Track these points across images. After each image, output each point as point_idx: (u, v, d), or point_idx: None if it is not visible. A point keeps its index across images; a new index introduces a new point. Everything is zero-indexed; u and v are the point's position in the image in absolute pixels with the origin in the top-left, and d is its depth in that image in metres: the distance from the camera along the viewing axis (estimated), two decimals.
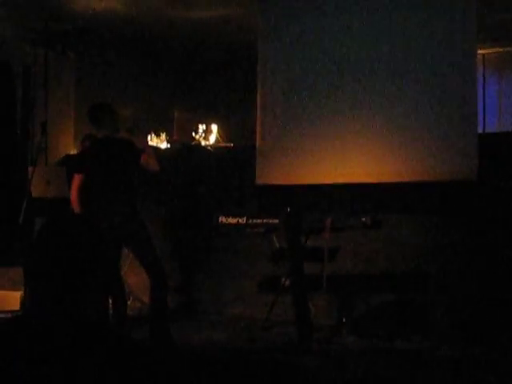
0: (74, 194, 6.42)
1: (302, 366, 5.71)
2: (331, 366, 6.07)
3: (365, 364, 6.17)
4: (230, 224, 6.89)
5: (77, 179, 6.43)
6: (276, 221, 6.71)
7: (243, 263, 8.58)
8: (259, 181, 8.63)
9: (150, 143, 9.70)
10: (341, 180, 8.03)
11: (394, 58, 8.05)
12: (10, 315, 8.35)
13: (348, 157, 8.12)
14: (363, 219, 6.51)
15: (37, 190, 7.28)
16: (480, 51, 9.86)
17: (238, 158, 9.12)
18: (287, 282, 7.43)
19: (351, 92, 8.34)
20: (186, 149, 9.48)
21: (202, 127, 9.52)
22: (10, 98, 10.00)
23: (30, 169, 7.95)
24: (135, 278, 8.44)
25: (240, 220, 6.81)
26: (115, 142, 6.53)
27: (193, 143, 9.50)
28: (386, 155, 7.96)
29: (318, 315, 7.32)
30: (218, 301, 8.63)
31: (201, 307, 8.64)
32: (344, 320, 7.33)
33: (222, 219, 6.89)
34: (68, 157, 9.55)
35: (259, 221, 6.82)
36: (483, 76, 11.14)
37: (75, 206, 6.41)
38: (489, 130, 10.69)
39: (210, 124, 9.56)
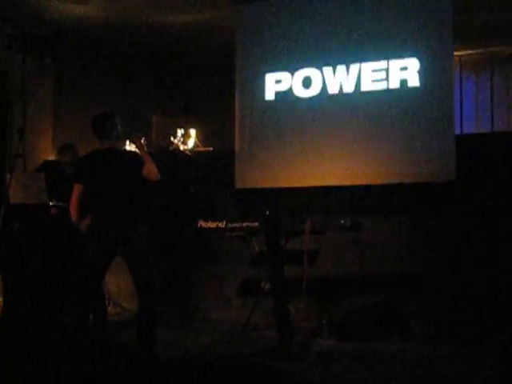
0: (73, 203, 6.35)
1: (281, 369, 5.70)
2: (311, 369, 6.07)
3: (344, 367, 6.17)
4: (209, 228, 6.89)
5: (76, 188, 6.35)
6: (255, 224, 6.71)
7: (223, 267, 8.57)
8: (238, 185, 8.65)
9: (128, 148, 9.66)
10: (320, 183, 8.07)
11: (371, 61, 8.09)
12: None
13: (326, 160, 8.16)
14: (342, 221, 6.53)
15: (15, 196, 7.23)
16: (456, 53, 9.93)
17: (217, 162, 9.12)
18: (267, 286, 7.43)
19: (328, 95, 8.38)
20: (164, 153, 9.46)
21: (180, 132, 9.51)
22: None
23: (8, 175, 7.91)
24: (115, 284, 8.42)
25: (219, 224, 6.82)
26: (117, 153, 6.43)
27: (171, 148, 9.48)
28: (364, 157, 8.01)
29: (298, 318, 7.33)
30: (198, 305, 8.62)
31: (181, 311, 8.62)
32: (324, 322, 7.34)
33: (202, 223, 6.89)
34: (46, 162, 9.49)
35: (239, 225, 6.83)
36: (460, 78, 11.21)
37: (73, 214, 6.34)
38: (466, 131, 10.76)
39: (189, 129, 9.56)
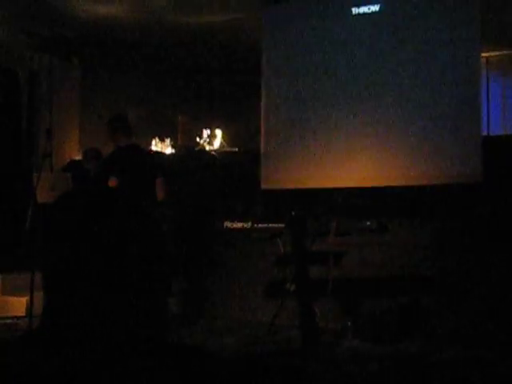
0: None
1: (307, 370, 5.69)
2: (335, 370, 6.05)
3: (369, 368, 6.15)
4: (235, 229, 6.89)
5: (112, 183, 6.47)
6: (281, 225, 6.71)
7: (249, 268, 8.57)
8: (264, 185, 8.64)
9: (154, 148, 9.73)
10: (346, 184, 8.04)
11: (398, 62, 8.05)
12: (15, 321, 8.39)
13: (353, 161, 8.13)
14: (368, 223, 6.51)
15: (42, 196, 7.28)
16: (483, 54, 9.87)
17: (242, 162, 9.12)
18: (292, 287, 7.42)
19: (356, 96, 8.36)
20: (190, 154, 9.49)
21: (206, 132, 9.53)
22: (15, 104, 10.02)
23: (36, 175, 7.96)
24: None
25: (245, 225, 6.82)
26: (143, 150, 6.66)
27: (197, 148, 9.50)
28: (391, 159, 7.97)
29: (323, 319, 7.31)
30: (223, 306, 8.63)
31: (206, 312, 8.63)
32: (349, 324, 7.31)
33: (227, 224, 6.89)
34: (73, 162, 9.56)
35: (264, 225, 6.83)
36: (487, 79, 11.14)
37: None
38: (493, 132, 10.69)
39: (215, 129, 9.57)
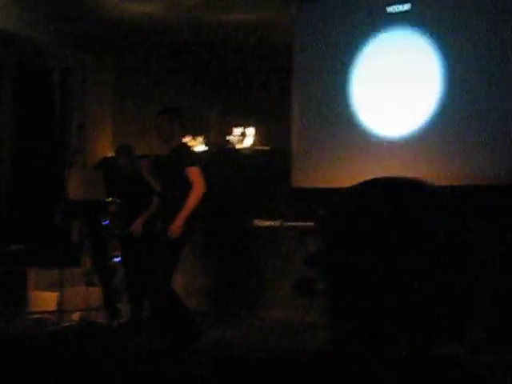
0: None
1: (336, 370, 5.68)
2: (365, 371, 6.03)
3: (400, 370, 6.12)
4: (264, 227, 6.90)
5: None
6: (311, 224, 6.71)
7: (278, 266, 8.59)
8: (295, 184, 8.63)
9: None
10: None
11: (438, 62, 7.97)
12: (46, 315, 8.50)
13: (386, 160, 8.08)
14: None
15: (74, 191, 7.34)
16: None
17: (274, 161, 9.12)
18: (321, 286, 7.42)
19: (382, 94, 8.32)
20: (222, 152, 9.51)
21: (238, 130, 9.54)
22: (48, 101, 10.12)
23: (66, 171, 8.04)
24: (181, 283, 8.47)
25: (275, 223, 6.83)
26: None
27: (229, 146, 9.53)
28: (425, 158, 7.91)
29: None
30: (252, 304, 8.65)
31: (235, 310, 8.66)
32: None
33: (257, 222, 6.91)
34: (105, 159, 9.64)
35: (294, 224, 6.83)
36: None
37: None
38: None
39: (247, 127, 9.58)
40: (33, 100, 9.86)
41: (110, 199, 7.96)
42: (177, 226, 6.21)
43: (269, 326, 8.00)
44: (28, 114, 9.77)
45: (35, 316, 8.61)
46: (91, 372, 5.74)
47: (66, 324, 7.82)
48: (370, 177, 8.02)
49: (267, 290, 8.59)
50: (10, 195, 9.44)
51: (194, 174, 6.50)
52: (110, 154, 10.40)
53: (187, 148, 6.92)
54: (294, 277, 8.39)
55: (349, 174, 8.32)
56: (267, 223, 6.85)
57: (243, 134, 9.51)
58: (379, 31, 8.29)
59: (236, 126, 9.70)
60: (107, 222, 8.28)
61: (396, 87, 8.15)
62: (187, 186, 6.43)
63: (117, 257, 8.58)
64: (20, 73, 9.67)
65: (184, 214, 6.28)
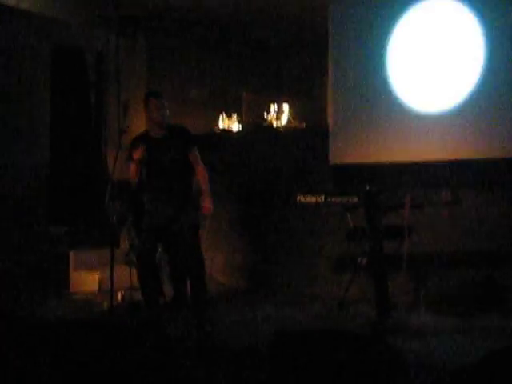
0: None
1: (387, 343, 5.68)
2: (408, 344, 6.04)
3: (441, 341, 6.14)
4: (308, 203, 6.88)
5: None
6: (355, 199, 6.69)
7: (318, 242, 8.61)
8: (333, 160, 8.64)
9: (221, 125, 9.79)
10: (418, 158, 7.99)
11: (479, 36, 7.91)
12: (88, 296, 8.57)
13: (425, 133, 8.07)
14: (443, 195, 6.45)
15: (118, 172, 7.33)
16: None
17: (310, 138, 9.12)
18: (364, 261, 7.42)
19: (423, 74, 8.29)
20: (257, 130, 9.51)
21: (273, 107, 9.53)
22: (83, 83, 10.15)
23: (112, 152, 8.06)
24: (211, 259, 8.52)
25: (318, 199, 6.81)
26: None
27: (264, 124, 9.52)
28: (463, 132, 7.89)
29: (395, 293, 7.29)
30: (293, 280, 8.68)
31: (277, 286, 8.69)
32: (421, 297, 7.29)
33: (301, 198, 6.89)
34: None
35: (338, 199, 6.82)
36: None
37: None
38: None
39: (282, 104, 9.56)
40: (68, 83, 9.89)
41: None
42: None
43: (310, 302, 8.02)
44: (64, 96, 9.80)
45: (78, 297, 8.68)
46: (139, 351, 5.77)
47: (109, 304, 7.85)
48: (409, 151, 8.05)
49: (308, 265, 8.62)
50: (50, 178, 9.49)
51: (197, 154, 6.85)
52: None
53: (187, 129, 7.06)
54: (334, 253, 8.42)
55: (387, 150, 8.33)
56: (311, 199, 6.82)
57: (279, 112, 9.49)
58: (419, 4, 8.25)
59: (271, 103, 9.67)
60: None
61: (435, 62, 8.12)
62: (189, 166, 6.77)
63: None
64: (55, 56, 9.69)
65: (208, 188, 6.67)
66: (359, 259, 7.52)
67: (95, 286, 8.96)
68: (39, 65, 9.43)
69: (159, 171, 6.84)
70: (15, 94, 9.12)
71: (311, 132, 9.19)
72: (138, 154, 6.73)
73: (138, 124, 10.12)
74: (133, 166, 6.83)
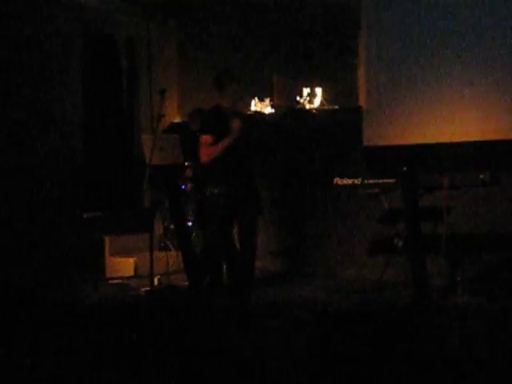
0: None
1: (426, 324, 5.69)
2: (447, 326, 6.02)
3: (479, 323, 6.11)
4: (344, 185, 6.86)
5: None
6: (392, 181, 6.66)
7: (354, 225, 8.60)
8: (367, 142, 8.60)
9: (253, 108, 9.76)
10: (454, 139, 7.93)
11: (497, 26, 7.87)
12: (124, 281, 8.63)
13: (462, 113, 8.01)
14: (481, 176, 6.38)
15: (153, 157, 7.34)
16: None
17: (344, 119, 9.08)
18: (400, 243, 7.40)
19: (456, 50, 8.22)
20: (290, 112, 9.49)
21: (306, 91, 9.48)
22: (115, 69, 10.18)
23: (146, 136, 8.08)
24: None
25: (355, 181, 6.79)
26: None
27: (297, 107, 9.48)
28: (500, 112, 7.82)
29: (432, 275, 7.25)
30: (328, 263, 8.68)
31: (312, 269, 8.70)
32: (458, 279, 7.25)
33: (337, 181, 6.87)
34: (173, 124, 9.68)
35: (375, 181, 6.78)
36: None
37: None
38: None
39: (315, 87, 9.51)
40: (100, 69, 9.93)
41: (187, 164, 8.00)
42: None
43: (345, 285, 8.02)
44: (96, 82, 9.84)
45: (114, 282, 8.74)
46: (177, 335, 5.82)
47: (146, 288, 7.90)
48: (445, 132, 7.99)
49: (344, 248, 8.61)
50: (84, 164, 9.55)
51: None
52: (177, 119, 10.45)
53: None
54: (370, 235, 8.41)
55: (422, 131, 8.28)
56: (348, 181, 6.80)
57: (312, 95, 9.44)
58: None
59: (303, 86, 9.63)
60: (184, 186, 8.33)
61: (471, 41, 8.05)
62: None
63: (188, 221, 8.64)
64: (87, 42, 9.73)
65: None
66: (395, 241, 7.50)
67: (131, 271, 9.01)
68: (71, 51, 9.47)
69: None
70: (47, 81, 9.17)
71: (344, 114, 9.14)
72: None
73: (170, 110, 10.18)
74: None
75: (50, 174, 9.07)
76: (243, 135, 6.52)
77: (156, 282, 8.08)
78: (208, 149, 6.49)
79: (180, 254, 8.22)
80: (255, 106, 9.75)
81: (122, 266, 9.10)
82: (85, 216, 9.44)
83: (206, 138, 6.50)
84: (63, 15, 9.32)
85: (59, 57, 9.29)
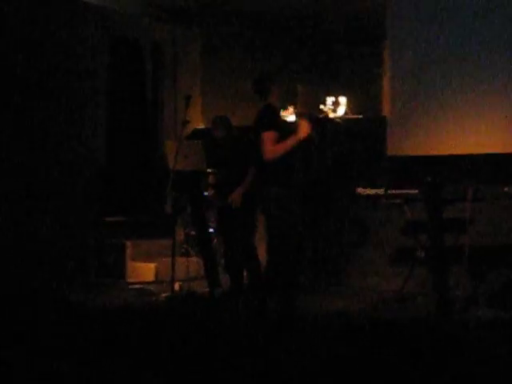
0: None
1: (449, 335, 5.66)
2: (468, 337, 5.99)
3: (501, 336, 6.07)
4: (367, 195, 6.86)
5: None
6: (415, 191, 6.65)
7: (375, 235, 8.56)
8: (390, 152, 8.59)
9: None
10: (476, 150, 7.90)
11: None
12: (145, 286, 8.64)
13: (486, 125, 7.97)
14: (506, 189, 6.36)
15: (177, 163, 7.35)
16: None
17: (368, 129, 9.06)
18: (422, 254, 7.37)
19: (481, 60, 8.19)
20: (315, 121, 9.48)
21: (330, 100, 9.48)
22: (140, 74, 10.23)
23: (170, 142, 8.08)
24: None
25: (378, 191, 6.78)
26: None
27: (321, 116, 9.48)
28: None
29: (454, 286, 7.22)
30: (351, 273, 8.65)
31: (334, 279, 8.66)
32: (480, 292, 7.21)
33: (360, 190, 6.86)
34: (197, 131, 9.71)
35: (398, 192, 6.77)
36: None
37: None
38: None
39: (339, 96, 9.52)
40: (125, 73, 9.99)
41: (210, 170, 8.01)
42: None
43: (366, 295, 7.98)
44: (121, 87, 9.89)
45: (135, 286, 8.75)
46: (196, 341, 5.82)
47: (166, 294, 7.90)
48: (468, 144, 7.96)
49: (364, 258, 8.58)
50: (107, 168, 9.59)
51: None
52: (200, 125, 10.47)
53: None
54: (391, 245, 8.37)
55: (446, 142, 8.25)
56: (370, 191, 6.79)
57: (336, 103, 9.45)
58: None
59: (326, 95, 9.63)
60: (206, 192, 8.34)
61: (496, 51, 8.02)
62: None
63: (210, 227, 8.65)
64: (113, 47, 9.78)
65: None
66: (418, 252, 7.47)
67: (151, 276, 9.03)
68: (97, 56, 9.52)
69: None
70: (73, 85, 9.22)
71: (368, 123, 9.13)
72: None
73: (194, 117, 10.20)
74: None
75: (73, 179, 9.12)
76: (310, 137, 6.42)
77: (177, 287, 8.07)
78: (276, 146, 6.29)
79: (201, 260, 8.23)
80: (283, 112, 9.77)
81: (143, 271, 9.12)
82: (107, 220, 9.50)
83: (270, 135, 6.28)
84: (89, 20, 9.38)
85: (85, 62, 9.36)
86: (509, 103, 7.92)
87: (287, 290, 6.39)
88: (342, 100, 9.49)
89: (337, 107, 9.47)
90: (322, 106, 9.51)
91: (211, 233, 8.65)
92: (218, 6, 10.32)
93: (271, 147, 6.30)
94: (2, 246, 8.27)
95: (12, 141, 8.58)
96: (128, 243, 9.27)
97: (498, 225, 7.69)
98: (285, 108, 9.87)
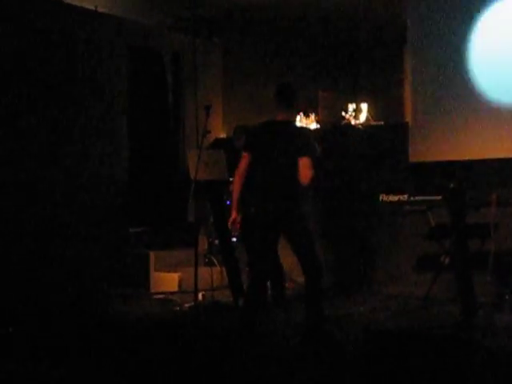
0: (239, 171, 6.25)
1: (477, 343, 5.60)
2: (493, 343, 5.93)
3: None
4: (391, 202, 6.84)
5: (244, 158, 6.22)
6: (438, 197, 6.62)
7: (400, 241, 8.54)
8: (413, 158, 8.57)
9: (299, 124, 9.74)
10: (499, 155, 7.86)
11: None
12: (168, 296, 8.65)
13: (505, 131, 7.95)
14: None
15: (199, 173, 7.34)
16: None
17: (390, 135, 9.04)
18: (447, 260, 7.34)
19: (502, 65, 8.17)
20: (336, 128, 9.48)
21: (352, 106, 9.48)
22: (161, 85, 10.27)
23: (191, 152, 8.09)
24: (289, 260, 8.49)
25: (401, 198, 6.76)
26: (291, 127, 6.32)
27: (343, 123, 9.49)
28: None
29: (479, 292, 7.16)
30: (375, 279, 8.62)
31: (358, 286, 8.64)
32: (506, 297, 7.15)
33: (384, 197, 6.85)
34: (217, 140, 9.72)
35: (421, 198, 6.76)
36: None
37: (236, 181, 6.30)
38: None
39: (360, 103, 9.51)
40: (146, 84, 10.03)
41: (232, 179, 8.00)
42: None
43: (391, 301, 7.95)
44: (142, 98, 9.93)
45: (159, 296, 8.76)
46: (221, 351, 5.81)
47: (190, 304, 7.90)
48: (490, 150, 7.92)
49: (389, 264, 8.55)
50: (129, 179, 9.63)
51: None
52: (222, 135, 10.49)
53: None
54: (415, 251, 8.34)
55: (468, 147, 8.22)
56: (394, 198, 6.77)
57: (357, 110, 9.44)
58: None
59: (347, 102, 9.63)
60: (228, 201, 8.32)
61: None
62: None
63: (233, 236, 8.63)
64: (133, 58, 9.83)
65: None
66: (442, 258, 7.44)
67: (175, 287, 9.03)
68: (117, 66, 9.56)
69: None
70: (93, 97, 9.27)
71: (390, 129, 9.11)
72: None
73: (215, 126, 10.23)
74: None
75: (96, 190, 9.16)
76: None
77: (200, 297, 8.07)
78: (312, 171, 5.97)
79: (224, 269, 8.22)
80: (300, 121, 9.75)
81: (167, 281, 9.12)
82: (131, 231, 9.52)
83: (308, 162, 5.97)
84: (110, 31, 9.44)
85: (105, 72, 9.39)
86: None
87: (319, 300, 6.26)
88: (364, 106, 9.47)
89: (358, 114, 9.45)
90: (343, 113, 9.50)
91: (234, 242, 8.64)
92: (239, 15, 10.36)
93: (310, 173, 6.00)
94: (34, 263, 8.33)
95: (34, 160, 8.62)
96: (151, 253, 9.28)
97: None
98: (307, 115, 9.91)
